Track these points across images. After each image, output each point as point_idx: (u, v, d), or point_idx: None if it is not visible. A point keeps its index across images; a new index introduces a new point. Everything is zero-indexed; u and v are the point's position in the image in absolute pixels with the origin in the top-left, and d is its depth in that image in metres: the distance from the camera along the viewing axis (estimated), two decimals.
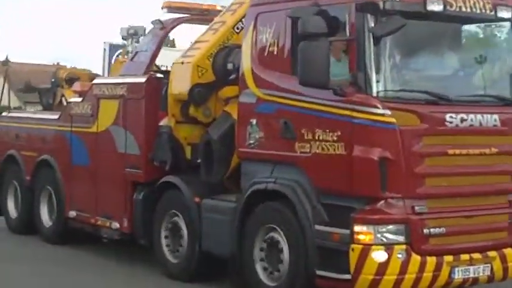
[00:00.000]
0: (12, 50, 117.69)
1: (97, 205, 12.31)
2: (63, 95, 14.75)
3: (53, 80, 15.04)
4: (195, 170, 10.88)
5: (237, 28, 10.83)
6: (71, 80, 14.70)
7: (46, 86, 15.72)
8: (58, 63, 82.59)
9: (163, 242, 11.12)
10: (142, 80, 11.51)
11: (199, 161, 10.81)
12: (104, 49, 44.73)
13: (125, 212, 11.68)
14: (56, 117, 13.43)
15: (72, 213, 12.87)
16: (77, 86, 13.33)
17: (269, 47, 9.55)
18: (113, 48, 43.65)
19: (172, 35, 70.02)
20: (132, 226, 11.61)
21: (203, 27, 11.51)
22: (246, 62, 9.83)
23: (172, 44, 75.16)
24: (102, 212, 12.21)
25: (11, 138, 14.65)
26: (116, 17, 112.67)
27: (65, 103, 14.68)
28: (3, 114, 15.26)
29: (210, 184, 10.51)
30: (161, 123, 11.19)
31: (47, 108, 15.34)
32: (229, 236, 9.90)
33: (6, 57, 78.93)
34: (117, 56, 41.68)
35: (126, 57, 14.24)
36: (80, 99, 12.85)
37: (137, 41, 14.04)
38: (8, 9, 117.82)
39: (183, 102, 10.93)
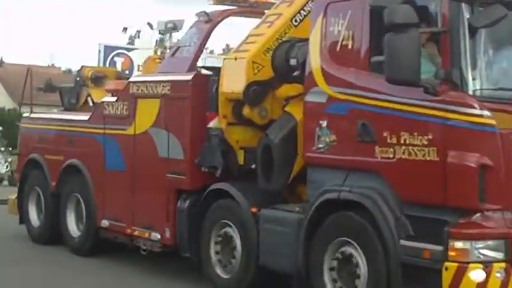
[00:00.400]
0: (6, 51, 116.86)
1: (134, 214, 11.32)
2: (89, 95, 13.74)
3: (78, 78, 14.02)
4: (247, 176, 9.95)
5: (295, 21, 9.87)
6: (96, 79, 13.71)
7: (68, 85, 14.72)
8: (53, 65, 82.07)
9: (213, 254, 10.14)
10: (188, 77, 10.53)
11: (253, 166, 9.86)
12: (99, 50, 44.32)
13: (167, 222, 10.70)
14: (86, 118, 12.43)
15: (105, 223, 11.88)
16: (110, 84, 12.32)
17: (342, 40, 8.58)
18: (108, 49, 43.53)
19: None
20: (175, 237, 10.62)
21: None
22: (315, 58, 8.87)
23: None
24: (140, 222, 11.22)
25: (33, 140, 13.65)
26: (111, 18, 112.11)
27: (90, 103, 13.69)
28: (25, 115, 14.21)
29: (267, 192, 9.54)
30: (210, 125, 10.19)
31: (69, 108, 14.32)
32: (292, 250, 8.92)
33: (1, 58, 78.47)
34: (113, 56, 41.07)
35: (158, 54, 13.24)
36: (114, 99, 11.84)
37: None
38: (2, 10, 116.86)
39: (235, 102, 9.96)
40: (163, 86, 10.82)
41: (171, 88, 10.70)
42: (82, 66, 14.16)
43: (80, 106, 13.97)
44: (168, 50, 12.68)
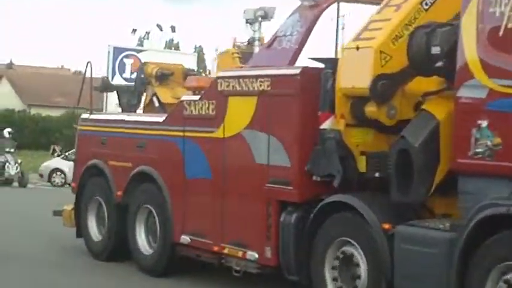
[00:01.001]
0: (16, 54, 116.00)
1: (224, 229, 9.84)
2: (154, 94, 12.28)
3: (142, 76, 12.54)
4: (367, 186, 8.50)
5: (425, 4, 8.40)
6: (162, 76, 12.28)
7: (126, 84, 13.26)
8: (62, 66, 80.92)
9: (328, 277, 8.64)
10: (296, 70, 9.06)
11: (377, 175, 8.40)
12: (108, 52, 43.11)
13: (268, 239, 9.22)
14: (161, 119, 10.95)
15: (185, 239, 10.39)
16: (191, 80, 10.81)
17: (507, 23, 7.12)
18: (117, 50, 42.29)
19: (177, 38, 66.86)
20: (277, 257, 9.13)
21: None
22: (469, 45, 7.41)
23: (177, 47, 72.96)
24: (231, 238, 9.74)
25: (95, 145, 12.15)
26: (120, 20, 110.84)
27: (156, 103, 12.24)
28: (84, 116, 12.74)
29: (398, 206, 8.08)
30: (323, 126, 8.71)
31: (128, 109, 12.86)
32: (442, 275, 7.45)
33: (10, 61, 77.25)
34: (122, 58, 39.64)
35: (238, 48, 11.73)
36: (196, 97, 10.37)
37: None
38: (11, 13, 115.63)
39: (354, 100, 8.49)
40: (261, 81, 9.34)
41: (272, 84, 9.22)
42: (144, 63, 12.73)
43: (144, 107, 12.50)
44: (257, 42, 11.20)
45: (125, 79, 42.87)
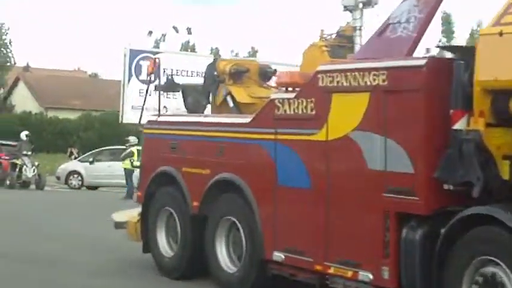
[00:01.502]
0: (32, 56, 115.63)
1: (328, 245, 8.58)
2: (228, 93, 11.04)
3: (215, 73, 11.29)
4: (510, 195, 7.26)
5: None
6: (237, 74, 11.06)
7: (193, 84, 12.06)
8: (79, 69, 79.94)
9: None
10: (420, 62, 7.79)
11: None
12: (124, 54, 42.00)
13: (385, 258, 7.96)
14: (246, 120, 9.70)
15: (278, 256, 9.14)
16: (283, 76, 9.50)
17: None
18: (133, 53, 41.20)
19: (193, 39, 65.48)
20: (398, 279, 7.87)
21: None
22: None
23: (193, 49, 71.69)
24: (337, 256, 8.48)
25: (165, 149, 10.91)
26: (136, 22, 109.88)
27: (231, 103, 11.01)
28: (151, 118, 11.50)
29: None
30: (457, 126, 7.46)
31: (195, 110, 11.64)
32: None
33: (27, 64, 76.19)
34: (138, 60, 38.74)
35: (325, 39, 10.46)
36: (291, 95, 9.12)
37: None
38: (27, 16, 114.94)
39: (497, 94, 7.25)
40: (375, 75, 8.08)
41: (389, 77, 7.96)
42: (215, 59, 11.47)
43: (215, 107, 11.26)
44: (357, 31, 9.98)
45: (142, 81, 42.07)
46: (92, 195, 30.27)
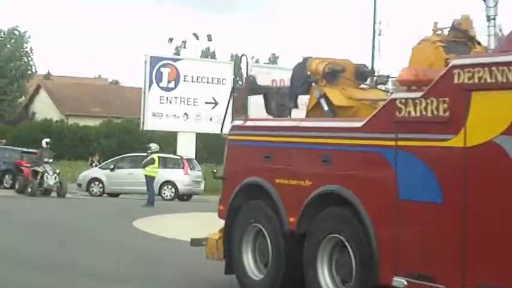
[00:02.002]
0: (53, 64, 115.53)
1: (465, 269, 7.35)
2: (322, 96, 9.82)
3: (307, 73, 10.06)
4: None
5: None
6: (333, 74, 9.83)
7: (276, 86, 10.82)
8: (99, 76, 79.32)
9: None
10: None
11: None
12: (145, 61, 41.45)
13: None
14: (357, 124, 8.49)
15: (399, 281, 7.89)
16: (407, 73, 8.27)
17: None
18: (154, 60, 40.57)
19: (213, 46, 64.94)
20: None
21: None
22: None
23: (213, 56, 71.15)
24: (478, 282, 7.25)
25: (254, 158, 9.69)
26: (156, 29, 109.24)
27: (325, 107, 9.78)
28: (236, 123, 10.28)
29: None
30: None
31: (280, 115, 10.44)
32: None
33: (48, 71, 75.38)
34: (159, 67, 38.41)
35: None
36: (415, 95, 7.90)
37: None
38: (48, 24, 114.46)
39: None
40: None
41: None
42: (305, 58, 10.25)
43: (308, 111, 10.04)
44: (491, 21, 8.75)
45: (162, 88, 41.23)
46: (113, 202, 30.33)
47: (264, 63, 69.03)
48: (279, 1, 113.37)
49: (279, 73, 45.27)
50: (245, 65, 10.64)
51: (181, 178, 34.09)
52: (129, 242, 16.06)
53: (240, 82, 73.00)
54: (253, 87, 10.75)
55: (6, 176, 33.81)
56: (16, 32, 52.57)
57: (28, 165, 31.59)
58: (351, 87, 9.96)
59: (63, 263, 12.64)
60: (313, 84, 10.06)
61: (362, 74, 10.11)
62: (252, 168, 9.70)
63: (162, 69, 41.68)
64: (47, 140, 32.02)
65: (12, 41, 53.44)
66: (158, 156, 28.35)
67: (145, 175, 27.50)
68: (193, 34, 49.32)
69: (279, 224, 9.27)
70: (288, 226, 9.13)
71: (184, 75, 42.11)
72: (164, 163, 32.97)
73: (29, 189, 30.06)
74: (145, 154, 29.00)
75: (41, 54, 76.69)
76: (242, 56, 11.54)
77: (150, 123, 41.09)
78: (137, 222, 20.00)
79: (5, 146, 37.71)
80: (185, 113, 41.70)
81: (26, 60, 55.84)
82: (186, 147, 39.77)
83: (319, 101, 9.90)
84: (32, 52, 56.40)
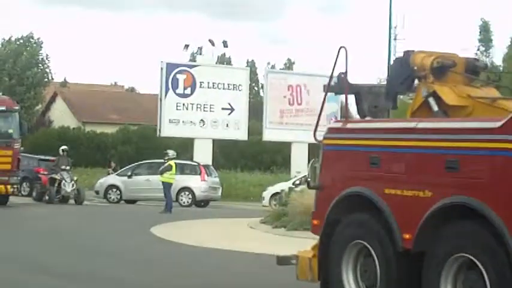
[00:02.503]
0: (69, 72, 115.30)
1: None
2: (433, 93, 8.63)
3: (414, 68, 8.85)
4: None
5: None
6: (442, 69, 8.67)
7: (368, 84, 9.66)
8: (115, 83, 78.71)
9: None
10: None
11: None
12: (161, 68, 40.94)
13: None
14: (494, 125, 7.29)
15: None
16: None
17: None
18: (170, 66, 40.08)
19: (229, 52, 64.40)
20: None
21: None
22: None
23: (229, 62, 70.73)
24: None
25: (358, 165, 8.48)
26: (172, 36, 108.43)
27: (435, 106, 8.61)
28: (334, 125, 9.07)
29: None
30: None
31: (375, 117, 9.25)
32: None
33: (64, 79, 74.48)
34: (175, 74, 38.20)
35: None
36: None
37: None
38: (64, 31, 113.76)
39: None
40: None
41: None
42: (406, 52, 9.07)
43: (413, 112, 8.85)
44: None
45: (178, 95, 40.48)
46: (130, 209, 30.58)
47: (280, 69, 67.97)
48: (294, 7, 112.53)
49: (295, 78, 44.59)
50: (344, 58, 9.27)
51: (199, 184, 33.96)
52: (148, 249, 16.24)
53: (255, 88, 72.38)
54: (343, 85, 9.50)
55: (24, 184, 33.56)
56: (31, 40, 51.87)
57: (45, 172, 31.71)
58: (461, 84, 8.79)
59: (85, 272, 12.66)
60: (416, 81, 8.89)
61: (474, 68, 8.93)
62: (355, 176, 8.49)
63: (178, 75, 41.25)
64: (64, 147, 31.96)
65: (28, 48, 52.63)
66: (175, 163, 28.25)
67: (163, 182, 27.44)
68: (209, 40, 48.49)
69: (389, 241, 8.07)
70: (401, 244, 7.92)
71: (200, 82, 41.58)
72: (181, 169, 32.78)
73: (47, 197, 30.07)
74: (162, 161, 28.78)
75: (57, 62, 75.88)
76: (340, 48, 10.47)
77: (167, 130, 40.64)
78: (155, 229, 20.07)
79: (22, 154, 37.25)
80: (201, 120, 41.04)
81: (42, 67, 55.19)
82: (203, 154, 39.16)
83: (427, 100, 8.72)
84: (48, 60, 55.92)
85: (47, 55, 55.79)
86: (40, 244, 16.55)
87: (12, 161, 26.71)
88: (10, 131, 27.05)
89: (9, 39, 51.29)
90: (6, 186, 26.25)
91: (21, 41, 52.95)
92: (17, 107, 28.22)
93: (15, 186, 26.84)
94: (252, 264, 14.43)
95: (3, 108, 27.16)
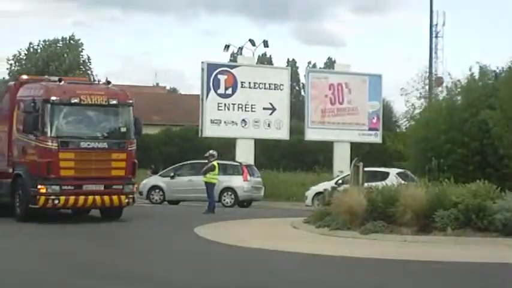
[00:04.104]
0: (111, 73, 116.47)
1: None
2: None
3: None
4: None
5: None
6: None
7: None
8: (157, 84, 79.23)
9: None
10: None
11: None
12: (202, 68, 41.03)
13: None
14: None
15: None
16: None
17: None
18: (211, 67, 40.25)
19: (269, 52, 64.30)
20: None
21: None
22: None
23: (269, 62, 70.81)
24: None
25: None
26: (212, 37, 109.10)
27: None
28: None
29: None
30: None
31: None
32: None
33: (106, 80, 74.98)
34: (216, 74, 38.12)
35: None
36: None
37: None
38: (106, 33, 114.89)
39: None
40: None
41: None
42: None
43: None
44: None
45: (220, 95, 40.57)
46: (173, 209, 30.61)
47: (321, 68, 67.96)
48: (334, 5, 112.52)
49: (336, 77, 44.54)
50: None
51: (241, 184, 34.03)
52: (194, 250, 16.40)
53: (296, 87, 72.64)
54: None
55: None
56: (72, 42, 51.68)
57: None
58: None
59: (132, 272, 12.92)
60: None
61: None
62: None
63: (219, 76, 41.38)
64: None
65: (70, 50, 52.52)
66: (218, 163, 28.20)
67: (206, 182, 27.49)
68: (250, 40, 48.62)
69: None
70: None
71: (242, 82, 41.72)
72: (224, 170, 32.90)
73: None
74: (204, 161, 28.87)
75: (98, 63, 76.71)
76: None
77: (209, 130, 40.84)
78: (199, 230, 20.26)
79: None
80: (243, 120, 41.15)
81: (84, 69, 55.50)
82: (245, 154, 39.33)
83: None
84: (89, 61, 56.07)
85: (88, 57, 55.99)
86: (84, 244, 16.95)
87: (126, 166, 22.60)
88: (123, 129, 22.97)
89: (50, 40, 51.20)
90: (120, 197, 22.30)
91: (62, 42, 52.81)
92: (131, 101, 23.70)
93: (130, 196, 22.70)
94: (299, 264, 14.52)
95: (115, 102, 22.86)
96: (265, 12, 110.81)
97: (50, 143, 21.15)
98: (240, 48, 54.97)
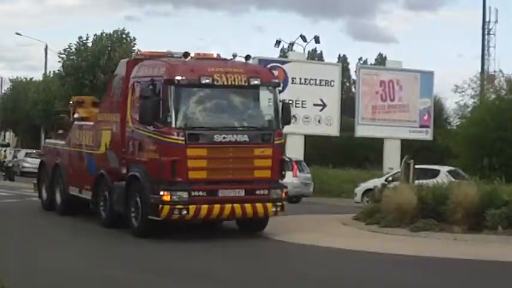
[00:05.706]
0: None
1: None
2: None
3: None
4: None
5: None
6: None
7: None
8: None
9: None
10: None
11: None
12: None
13: None
14: None
15: None
16: None
17: None
18: (262, 62, 40.29)
19: (320, 48, 63.96)
20: None
21: None
22: None
23: (320, 57, 70.47)
24: None
25: None
26: (263, 33, 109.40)
27: None
28: None
29: None
30: None
31: None
32: None
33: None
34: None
35: None
36: None
37: None
38: (155, 29, 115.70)
39: None
40: None
41: None
42: None
43: None
44: None
45: None
46: None
47: (371, 64, 67.70)
48: (385, 2, 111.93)
49: (387, 74, 44.44)
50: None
51: (291, 180, 33.60)
52: (248, 246, 16.24)
53: (347, 83, 72.46)
54: None
55: None
56: (123, 36, 51.55)
57: None
58: None
59: (199, 269, 13.13)
60: None
61: None
62: None
63: None
64: None
65: (120, 44, 52.35)
66: None
67: None
68: (301, 36, 48.67)
69: None
70: None
71: (292, 78, 41.72)
72: None
73: None
74: None
75: None
76: None
77: None
78: None
79: None
80: (293, 115, 41.03)
81: None
82: (295, 150, 39.31)
83: None
84: None
85: (139, 51, 55.76)
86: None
87: (272, 165, 17.40)
88: (268, 117, 17.79)
89: (101, 35, 51.11)
90: (265, 205, 17.32)
91: (114, 36, 52.59)
92: (277, 80, 18.95)
93: (278, 204, 17.58)
94: (350, 261, 14.56)
95: (257, 82, 17.59)
96: (317, 8, 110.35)
97: (175, 137, 16.53)
98: (291, 44, 55.00)
